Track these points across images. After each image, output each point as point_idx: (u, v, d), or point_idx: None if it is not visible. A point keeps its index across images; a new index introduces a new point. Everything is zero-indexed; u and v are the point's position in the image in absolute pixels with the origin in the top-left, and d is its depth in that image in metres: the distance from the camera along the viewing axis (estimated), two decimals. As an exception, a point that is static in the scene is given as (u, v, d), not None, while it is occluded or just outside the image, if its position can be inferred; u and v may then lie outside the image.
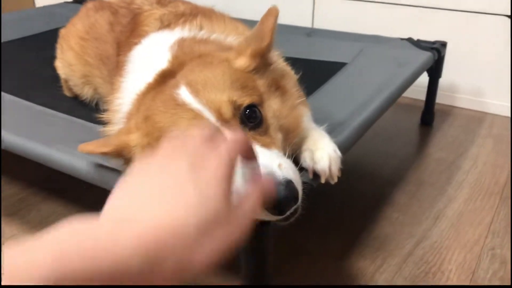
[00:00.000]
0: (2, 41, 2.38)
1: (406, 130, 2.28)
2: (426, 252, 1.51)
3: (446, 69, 2.19)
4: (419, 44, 2.12)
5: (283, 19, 2.57)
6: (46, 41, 2.45)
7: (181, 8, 1.44)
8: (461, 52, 2.37)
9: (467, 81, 2.44)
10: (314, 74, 1.95)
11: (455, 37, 2.33)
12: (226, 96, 0.95)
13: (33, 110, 1.64)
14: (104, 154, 1.06)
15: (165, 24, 1.34)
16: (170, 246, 0.51)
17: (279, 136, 1.02)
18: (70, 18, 2.70)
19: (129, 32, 1.43)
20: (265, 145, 0.95)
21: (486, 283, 1.39)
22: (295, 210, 0.93)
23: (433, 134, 2.23)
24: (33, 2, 3.74)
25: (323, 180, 1.12)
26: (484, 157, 2.03)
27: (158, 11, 1.43)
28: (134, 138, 1.03)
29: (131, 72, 1.27)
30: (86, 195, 1.71)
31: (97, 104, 1.70)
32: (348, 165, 1.20)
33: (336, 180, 1.13)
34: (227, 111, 0.94)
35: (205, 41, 1.23)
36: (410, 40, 2.16)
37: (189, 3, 1.56)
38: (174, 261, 0.51)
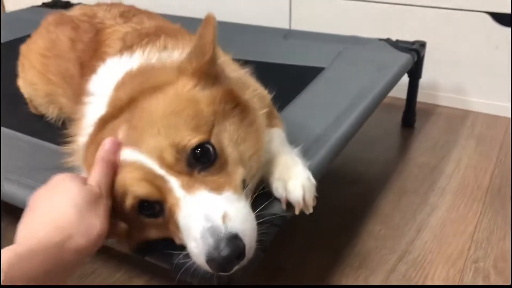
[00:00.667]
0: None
1: (388, 132, 2.23)
2: (409, 268, 1.47)
3: (426, 67, 2.14)
4: (397, 45, 2.07)
5: (259, 20, 2.54)
6: (12, 51, 2.35)
7: (146, 25, 1.36)
8: (441, 49, 2.32)
9: (448, 79, 2.40)
10: (290, 80, 1.89)
11: (434, 35, 2.28)
12: (166, 140, 0.87)
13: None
14: None
15: (128, 45, 1.25)
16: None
17: (239, 171, 0.93)
18: (37, 23, 2.60)
19: (92, 52, 1.35)
20: (216, 188, 0.88)
21: (470, 299, 1.36)
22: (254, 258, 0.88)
23: (415, 136, 2.19)
24: (3, 8, 3.61)
25: (297, 212, 1.06)
26: (466, 160, 1.99)
27: (122, 29, 1.35)
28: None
29: (90, 107, 1.15)
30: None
31: (64, 124, 1.62)
32: (328, 174, 1.13)
33: (311, 210, 1.07)
34: (170, 157, 0.86)
35: (152, 66, 1.13)
36: (388, 41, 2.11)
37: (154, 17, 1.48)
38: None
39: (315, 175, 1.12)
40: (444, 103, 2.43)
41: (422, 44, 2.07)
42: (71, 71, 1.39)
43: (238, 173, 0.93)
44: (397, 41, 2.11)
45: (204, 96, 0.96)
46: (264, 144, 1.06)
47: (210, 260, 0.81)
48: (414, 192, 1.81)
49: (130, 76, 1.08)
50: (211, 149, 0.90)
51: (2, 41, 2.44)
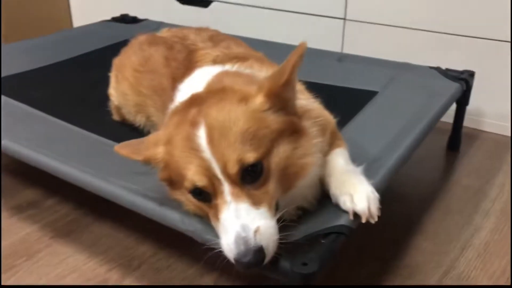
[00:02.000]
0: (43, 64, 2.51)
1: (433, 154, 2.36)
2: (454, 282, 1.59)
3: (473, 94, 2.25)
4: (447, 73, 2.20)
5: (312, 43, 2.70)
6: (89, 63, 2.59)
7: (234, 50, 1.55)
8: (488, 78, 2.43)
9: (493, 106, 2.51)
10: (345, 102, 2.04)
11: (482, 64, 2.39)
12: (235, 153, 1.06)
13: (85, 138, 1.77)
14: (133, 159, 1.23)
15: (218, 63, 1.46)
16: None
17: (276, 191, 1.12)
18: (110, 37, 2.84)
19: (184, 69, 1.55)
20: (256, 202, 1.07)
21: (511, 315, 1.47)
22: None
23: (460, 160, 2.31)
24: (71, 23, 3.88)
25: (363, 220, 1.22)
26: (509, 185, 2.09)
27: (212, 52, 1.55)
28: (159, 152, 1.19)
29: (177, 99, 1.39)
30: (132, 217, 1.83)
31: (149, 132, 1.83)
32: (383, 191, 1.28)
33: (376, 219, 1.23)
34: (233, 168, 1.06)
35: (241, 74, 1.33)
36: (438, 69, 2.24)
37: (240, 44, 1.67)
38: None
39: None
40: (489, 129, 2.54)
41: (471, 74, 2.20)
42: (164, 85, 1.60)
43: (275, 193, 1.12)
44: (447, 69, 2.23)
45: (272, 121, 1.14)
46: (309, 171, 1.21)
47: (237, 260, 1.03)
48: (458, 212, 1.94)
49: (224, 73, 1.31)
50: (260, 167, 1.09)
51: (75, 55, 2.68)
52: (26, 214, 1.94)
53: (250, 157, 1.07)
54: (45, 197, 2.04)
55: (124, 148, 1.25)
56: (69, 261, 1.70)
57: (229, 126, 1.09)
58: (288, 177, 1.16)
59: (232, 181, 1.07)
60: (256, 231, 1.03)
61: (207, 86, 1.31)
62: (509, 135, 2.50)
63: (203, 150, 1.08)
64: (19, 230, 1.85)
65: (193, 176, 1.09)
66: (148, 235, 1.80)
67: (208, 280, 1.60)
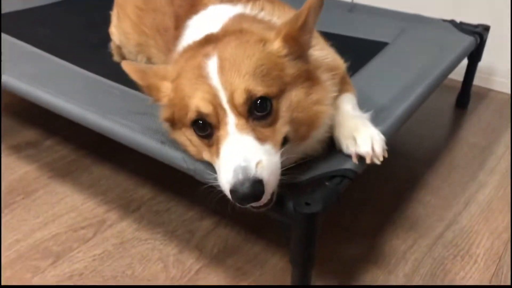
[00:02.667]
0: (48, 2, 2.44)
1: (441, 111, 2.31)
2: (456, 236, 1.58)
3: (485, 51, 2.18)
4: (461, 27, 2.12)
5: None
6: (92, 5, 2.51)
7: None
8: (502, 34, 2.35)
9: (505, 65, 2.43)
10: (355, 52, 1.97)
11: (496, 19, 2.30)
12: (244, 83, 1.03)
13: (87, 78, 1.72)
14: (137, 81, 1.19)
15: (225, 1, 1.39)
16: None
17: (284, 130, 1.08)
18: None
19: (189, 7, 1.49)
20: (261, 138, 1.03)
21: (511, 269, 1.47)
22: (268, 203, 1.03)
23: (468, 117, 2.26)
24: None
25: (368, 161, 1.17)
26: (515, 143, 2.06)
27: None
28: (165, 87, 1.16)
29: (185, 38, 1.35)
30: (133, 160, 1.81)
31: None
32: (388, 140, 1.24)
33: (381, 159, 1.18)
34: (240, 98, 1.02)
35: (259, 21, 1.28)
36: (452, 22, 2.16)
37: None
38: None
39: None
40: (499, 88, 2.48)
41: (486, 28, 2.12)
42: (167, 23, 1.53)
43: (282, 132, 1.08)
44: (461, 23, 2.16)
45: (288, 66, 1.11)
46: (323, 120, 1.17)
47: (233, 191, 0.97)
48: (463, 169, 1.91)
49: (242, 17, 1.26)
50: (269, 105, 1.05)
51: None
52: (24, 154, 1.91)
53: (259, 90, 1.03)
54: (44, 138, 2.01)
55: (131, 66, 1.21)
56: (67, 200, 1.68)
57: (241, 59, 1.06)
58: (301, 124, 1.12)
59: (238, 112, 1.03)
60: (258, 163, 0.98)
61: (223, 27, 1.26)
62: (519, 95, 2.44)
63: (212, 78, 1.04)
64: (17, 169, 1.83)
65: (199, 101, 1.04)
66: (148, 179, 1.78)
67: (208, 223, 1.59)
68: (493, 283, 1.42)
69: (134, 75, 1.19)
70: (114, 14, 1.84)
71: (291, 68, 1.11)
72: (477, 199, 1.75)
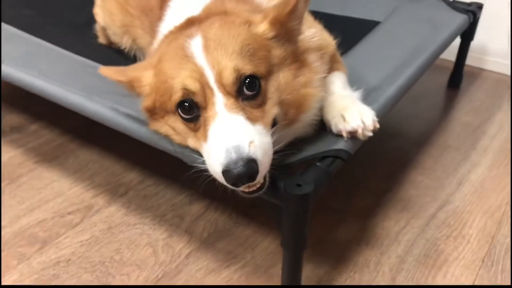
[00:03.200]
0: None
1: (433, 91, 2.28)
2: (449, 216, 1.57)
3: (478, 30, 2.15)
4: (454, 5, 2.08)
5: (314, -29, 2.54)
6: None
7: None
8: (494, 13, 2.31)
9: (497, 44, 2.41)
10: (347, 32, 1.93)
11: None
12: (232, 62, 0.99)
13: (71, 59, 1.67)
14: (119, 82, 1.15)
15: None
16: None
17: (273, 111, 1.04)
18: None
19: None
20: (251, 119, 0.99)
21: (504, 248, 1.45)
22: (261, 186, 1.01)
23: (460, 97, 2.24)
24: None
25: (360, 135, 1.14)
26: (509, 123, 2.04)
27: None
28: (147, 76, 1.11)
29: (167, 19, 1.31)
30: (120, 144, 1.77)
31: (135, 56, 1.73)
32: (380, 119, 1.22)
33: (370, 131, 1.15)
34: (228, 77, 0.98)
35: (245, 1, 1.24)
36: (445, 0, 2.12)
37: None
38: None
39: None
40: (491, 67, 2.45)
41: (479, 6, 2.08)
42: (151, 3, 1.48)
43: (272, 113, 1.05)
44: (454, 1, 2.12)
45: (275, 48, 1.08)
46: (312, 103, 1.14)
47: (226, 171, 0.93)
48: (456, 149, 1.89)
49: None
50: (258, 84, 1.02)
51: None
52: (9, 138, 1.87)
53: (248, 69, 1.00)
54: (29, 122, 1.96)
55: (109, 69, 1.17)
56: (54, 185, 1.65)
57: (227, 39, 1.03)
58: (289, 106, 1.09)
59: (227, 92, 0.99)
60: (250, 143, 0.94)
61: (205, 9, 1.21)
62: (510, 74, 2.42)
63: (197, 57, 1.00)
64: (2, 154, 1.78)
65: (185, 79, 1.00)
66: (135, 163, 1.74)
67: (197, 207, 1.56)
68: (486, 263, 1.41)
69: (114, 76, 1.15)
70: (99, -6, 1.78)
71: (278, 50, 1.08)
72: (470, 179, 1.73)
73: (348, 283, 1.34)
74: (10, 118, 1.98)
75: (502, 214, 1.57)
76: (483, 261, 1.42)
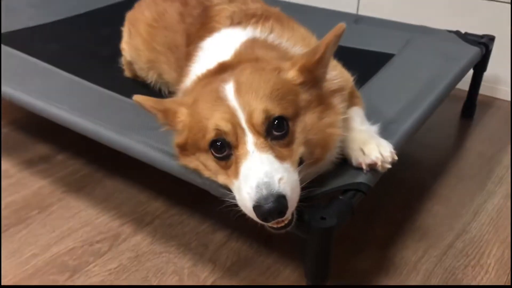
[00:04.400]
0: (54, 19, 2.47)
1: (447, 121, 2.33)
2: (466, 246, 1.60)
3: (491, 60, 2.21)
4: (466, 37, 2.15)
5: (328, 4, 2.63)
6: (100, 19, 2.55)
7: (252, 7, 1.51)
8: (506, 43, 2.37)
9: (509, 73, 2.46)
10: (362, 64, 2.00)
11: (500, 29, 2.33)
12: (262, 104, 1.06)
13: (100, 94, 1.75)
14: (153, 109, 1.21)
15: (236, 22, 1.42)
16: None
17: (300, 150, 1.11)
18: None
19: (200, 25, 1.52)
20: (280, 157, 1.05)
21: (522, 278, 1.48)
22: (289, 223, 1.06)
23: (474, 127, 2.28)
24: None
25: (379, 167, 1.21)
26: (521, 153, 2.08)
27: (229, 7, 1.51)
28: (182, 112, 1.19)
29: (199, 60, 1.38)
30: (145, 174, 1.83)
31: (160, 89, 1.81)
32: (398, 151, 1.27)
33: (389, 161, 1.22)
34: (258, 117, 1.05)
35: (272, 47, 1.32)
36: (457, 33, 2.19)
37: (258, 1, 1.62)
38: None
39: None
40: (504, 97, 2.50)
41: (491, 38, 2.15)
42: (178, 41, 1.57)
43: (299, 152, 1.11)
44: (466, 33, 2.18)
45: (302, 93, 1.16)
46: (336, 142, 1.21)
47: (257, 207, 0.99)
48: (471, 178, 1.92)
49: (253, 43, 1.30)
50: (286, 125, 1.09)
51: (87, 10, 2.63)
52: (37, 169, 1.94)
53: (276, 111, 1.07)
54: (56, 152, 2.04)
55: (143, 98, 1.24)
56: (82, 215, 1.71)
57: (258, 83, 1.10)
58: (315, 146, 1.16)
59: (257, 132, 1.06)
60: (280, 179, 1.00)
61: (236, 54, 1.29)
62: (525, 103, 2.46)
63: (230, 99, 1.08)
64: (31, 184, 1.85)
65: (218, 121, 1.07)
66: (161, 192, 1.80)
67: (220, 236, 1.61)
68: (504, 293, 1.43)
69: (148, 103, 1.22)
70: (125, 31, 1.88)
71: (304, 94, 1.16)
72: (486, 208, 1.76)
73: (369, 312, 1.38)
74: (37, 148, 2.06)
75: (518, 245, 1.60)
76: (501, 291, 1.44)
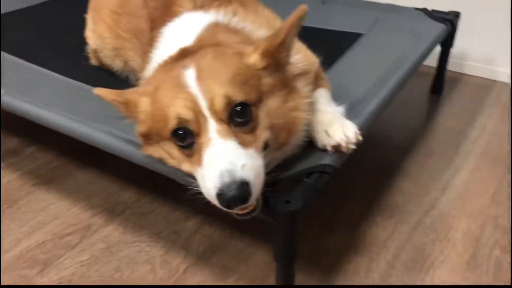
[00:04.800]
0: (21, 7, 2.41)
1: (416, 98, 2.36)
2: (435, 221, 1.63)
3: (458, 36, 2.23)
4: (433, 15, 2.16)
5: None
6: (67, 7, 2.49)
7: None
8: (474, 20, 2.40)
9: (478, 49, 2.49)
10: (330, 45, 2.00)
11: (466, 5, 2.35)
12: (223, 90, 1.05)
13: (65, 83, 1.71)
14: (114, 101, 1.20)
15: (198, 5, 1.40)
16: None
17: (264, 135, 1.10)
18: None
19: (163, 9, 1.49)
20: (243, 143, 1.05)
21: (488, 250, 1.52)
22: (254, 209, 1.06)
23: (443, 103, 2.31)
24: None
25: (344, 148, 1.21)
26: (491, 127, 2.12)
27: None
28: (144, 102, 1.17)
29: (161, 46, 1.37)
30: (116, 164, 1.82)
31: (127, 77, 1.78)
32: (364, 131, 1.28)
33: (354, 142, 1.22)
34: (220, 104, 1.04)
35: (235, 31, 1.30)
36: (424, 10, 2.20)
37: None
38: None
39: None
40: (472, 72, 2.53)
41: (457, 15, 2.17)
42: (142, 26, 1.54)
43: (263, 137, 1.10)
44: (433, 11, 2.20)
45: (265, 77, 1.14)
46: (301, 126, 1.20)
47: (220, 194, 0.98)
48: (440, 154, 1.96)
49: (215, 27, 1.27)
50: (249, 111, 1.08)
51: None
52: (6, 163, 1.91)
53: (239, 96, 1.06)
54: (24, 146, 2.01)
55: (104, 90, 1.22)
56: (52, 208, 1.69)
57: (219, 68, 1.09)
58: (280, 130, 1.15)
59: (219, 118, 1.05)
60: (243, 166, 1.00)
61: (197, 39, 1.27)
62: (492, 78, 2.49)
63: (191, 86, 1.06)
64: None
65: (179, 109, 1.06)
66: (131, 182, 1.79)
67: (193, 222, 1.61)
68: (471, 265, 1.47)
69: (109, 96, 1.20)
70: (89, 18, 1.84)
71: (267, 78, 1.14)
72: (454, 183, 1.80)
73: (340, 290, 1.40)
74: (6, 142, 2.03)
75: (485, 217, 1.64)
76: (468, 263, 1.48)
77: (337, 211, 1.68)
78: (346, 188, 1.78)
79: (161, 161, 1.22)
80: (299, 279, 1.40)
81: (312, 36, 1.55)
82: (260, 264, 1.48)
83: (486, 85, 2.45)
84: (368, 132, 1.35)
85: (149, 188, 1.75)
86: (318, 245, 1.54)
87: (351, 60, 1.86)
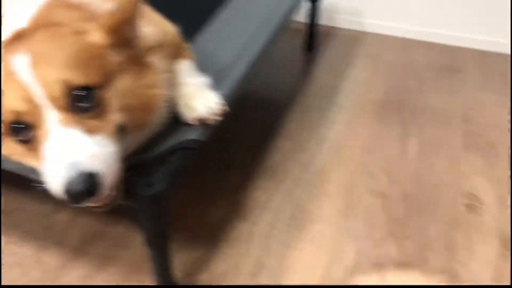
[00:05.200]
0: None
1: (291, 56, 2.38)
2: (313, 176, 1.68)
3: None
4: (297, -30, 2.15)
5: None
6: None
7: None
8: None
9: (346, 2, 2.55)
10: (192, 9, 1.93)
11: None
12: (59, 74, 0.95)
13: None
14: None
15: None
16: None
17: (116, 118, 1.02)
18: None
19: None
20: (90, 131, 0.96)
21: (361, 197, 1.61)
22: (114, 198, 0.99)
23: (316, 58, 2.36)
24: None
25: (208, 120, 1.19)
26: (362, 78, 2.21)
27: None
28: None
29: None
30: None
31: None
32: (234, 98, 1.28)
33: (217, 112, 1.20)
34: (56, 90, 0.94)
35: (76, 7, 1.18)
36: (288, -35, 2.18)
37: None
38: None
39: (226, 102, 1.25)
40: (342, 25, 2.61)
41: (321, -31, 2.18)
42: None
43: (113, 121, 1.02)
44: (297, -35, 2.19)
45: (111, 55, 1.04)
46: (158, 103, 1.13)
47: (65, 190, 0.91)
48: (316, 110, 2.01)
49: (54, 4, 1.14)
50: (93, 95, 0.98)
51: None
52: None
53: (78, 79, 0.95)
54: None
55: None
56: None
57: (55, 51, 0.98)
58: (135, 111, 1.07)
59: (58, 106, 0.95)
60: (88, 157, 0.92)
61: (34, 20, 1.12)
62: (361, 30, 2.59)
63: (23, 74, 0.94)
64: None
65: (12, 100, 0.94)
66: (-7, 178, 1.63)
67: (65, 214, 1.52)
68: (347, 214, 1.55)
69: None
70: None
71: (114, 56, 1.05)
72: (329, 137, 1.86)
73: (222, 259, 1.41)
74: None
75: (356, 165, 1.73)
76: (344, 213, 1.55)
77: (217, 181, 1.67)
78: (225, 156, 1.77)
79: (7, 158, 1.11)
80: (182, 256, 1.39)
81: (170, 4, 1.48)
82: (142, 247, 1.42)
83: (356, 37, 2.53)
84: (243, 95, 1.33)
85: (12, 184, 1.61)
86: (200, 219, 1.53)
87: (216, 26, 1.81)
